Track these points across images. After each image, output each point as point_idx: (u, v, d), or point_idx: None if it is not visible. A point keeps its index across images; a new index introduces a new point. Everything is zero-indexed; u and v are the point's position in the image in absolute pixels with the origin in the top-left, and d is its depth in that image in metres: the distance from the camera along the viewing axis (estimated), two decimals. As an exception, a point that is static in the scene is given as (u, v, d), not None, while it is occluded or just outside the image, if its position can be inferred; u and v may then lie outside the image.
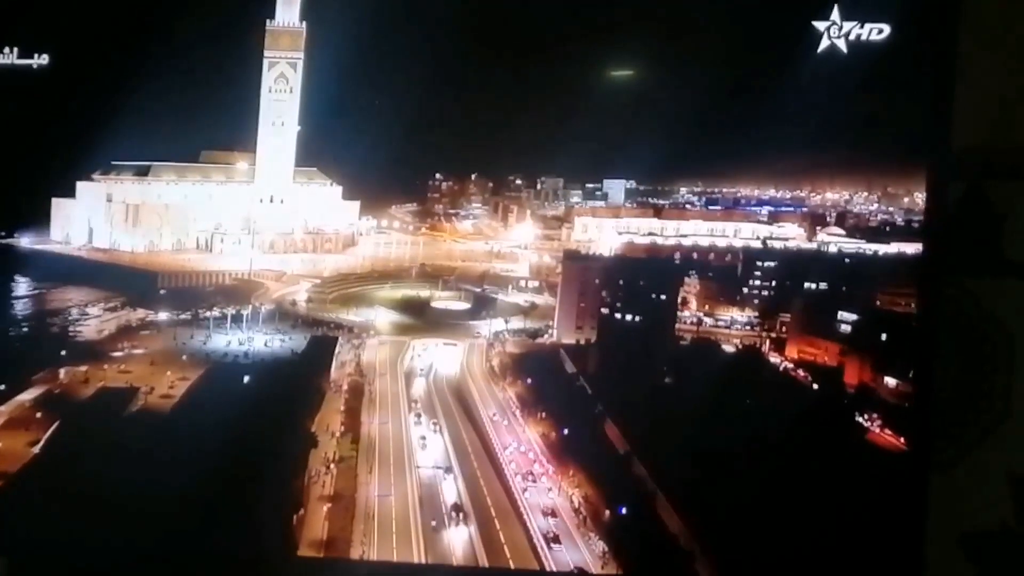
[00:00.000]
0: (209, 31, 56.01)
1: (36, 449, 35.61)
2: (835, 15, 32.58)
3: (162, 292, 54.82)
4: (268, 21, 68.52)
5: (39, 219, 68.12)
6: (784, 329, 57.15)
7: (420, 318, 57.67)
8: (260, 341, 50.54)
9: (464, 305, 60.61)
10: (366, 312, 57.59)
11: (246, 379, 44.24)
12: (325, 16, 66.90)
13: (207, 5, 53.66)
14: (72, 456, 34.71)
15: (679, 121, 52.17)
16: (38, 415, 37.58)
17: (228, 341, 50.13)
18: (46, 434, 36.48)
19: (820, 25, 32.79)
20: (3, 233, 66.65)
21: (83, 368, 44.14)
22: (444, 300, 61.03)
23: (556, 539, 33.12)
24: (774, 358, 54.26)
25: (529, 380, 46.13)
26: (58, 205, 68.57)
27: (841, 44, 32.71)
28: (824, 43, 32.77)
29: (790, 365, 52.90)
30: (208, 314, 53.34)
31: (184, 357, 46.34)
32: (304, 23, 68.27)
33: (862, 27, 32.38)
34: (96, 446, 34.92)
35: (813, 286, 58.59)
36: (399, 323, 56.80)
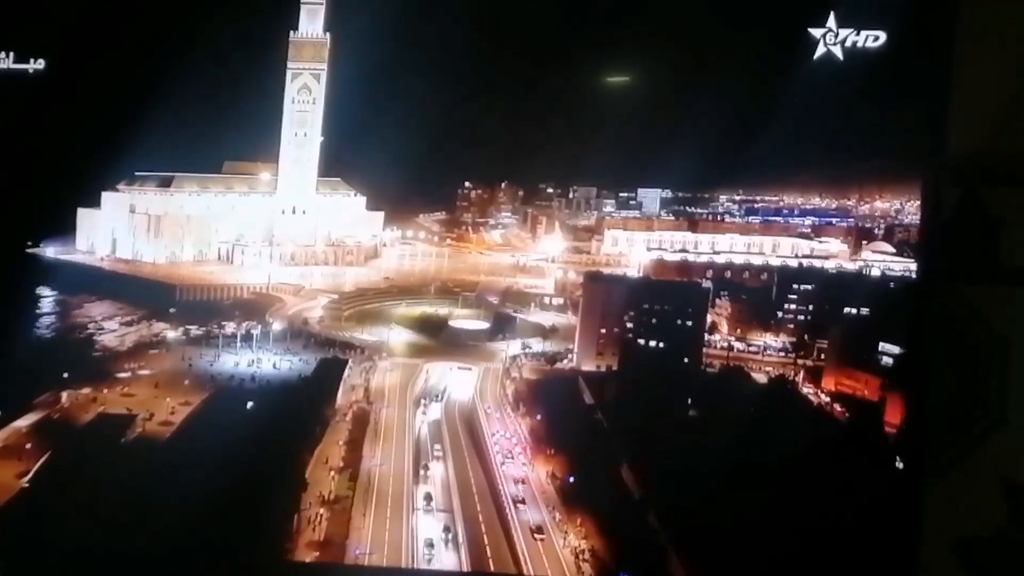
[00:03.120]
0: (233, 43, 55.15)
1: (24, 482, 34.61)
2: (831, 22, 32.41)
3: (172, 311, 53.71)
4: (291, 32, 67.66)
5: (65, 229, 68.57)
6: (821, 356, 53.73)
7: (436, 338, 55.59)
8: (268, 363, 49.11)
9: (483, 324, 58.31)
10: (380, 331, 55.80)
11: (249, 405, 42.74)
12: (349, 27, 66.10)
13: (231, 17, 52.76)
14: (61, 488, 33.58)
15: (715, 126, 49.72)
16: (28, 445, 36.60)
17: (236, 362, 48.79)
18: (35, 465, 35.48)
19: (816, 32, 32.74)
20: (30, 243, 67.26)
21: (86, 391, 43.27)
22: (462, 319, 58.90)
23: None
24: (808, 389, 50.88)
25: (540, 416, 43.71)
26: (83, 215, 68.63)
27: (837, 51, 31.82)
28: (820, 50, 32.82)
29: (826, 398, 49.52)
30: (218, 332, 52.20)
31: (187, 381, 45.12)
32: (328, 34, 67.58)
33: (858, 34, 32.25)
34: (85, 479, 33.76)
35: (854, 311, 55.06)
36: (414, 343, 54.77)
